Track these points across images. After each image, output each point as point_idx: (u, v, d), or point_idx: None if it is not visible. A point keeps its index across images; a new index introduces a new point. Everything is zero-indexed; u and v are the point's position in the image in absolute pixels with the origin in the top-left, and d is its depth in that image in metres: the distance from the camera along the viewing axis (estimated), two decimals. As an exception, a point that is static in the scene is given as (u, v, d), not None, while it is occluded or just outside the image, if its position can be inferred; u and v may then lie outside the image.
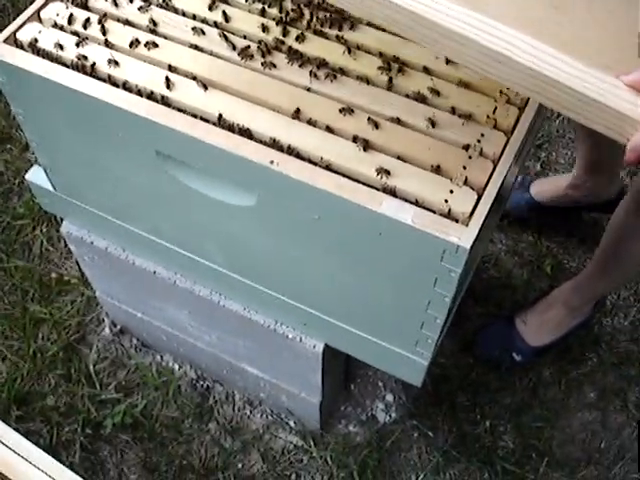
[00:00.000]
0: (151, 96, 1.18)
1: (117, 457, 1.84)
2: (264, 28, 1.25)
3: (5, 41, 1.24)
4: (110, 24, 1.26)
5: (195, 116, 1.16)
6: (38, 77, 1.20)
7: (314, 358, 1.52)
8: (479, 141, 1.12)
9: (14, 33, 1.25)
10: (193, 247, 1.45)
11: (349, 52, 1.22)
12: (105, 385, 1.94)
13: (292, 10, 1.27)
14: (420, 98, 1.17)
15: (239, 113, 1.15)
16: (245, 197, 1.19)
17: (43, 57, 1.23)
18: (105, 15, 1.27)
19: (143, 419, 1.88)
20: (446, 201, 1.06)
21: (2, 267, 2.05)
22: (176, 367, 2.01)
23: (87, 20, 1.26)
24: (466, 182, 1.08)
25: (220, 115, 1.14)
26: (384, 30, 1.26)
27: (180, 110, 1.17)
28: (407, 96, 1.18)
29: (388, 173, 1.08)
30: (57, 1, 1.30)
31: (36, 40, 1.24)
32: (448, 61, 1.21)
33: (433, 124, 1.13)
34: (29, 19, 1.27)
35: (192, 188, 1.24)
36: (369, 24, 1.26)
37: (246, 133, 1.13)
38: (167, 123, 1.13)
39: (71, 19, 1.26)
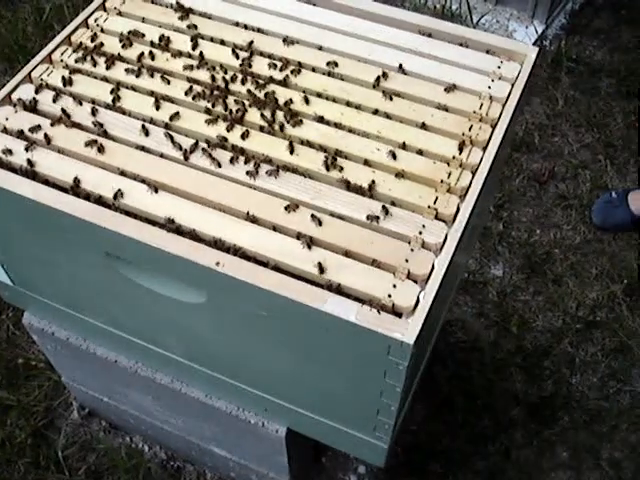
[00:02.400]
0: (100, 200, 1.20)
1: None
2: (210, 125, 1.29)
3: (-44, 147, 1.26)
4: (59, 128, 1.29)
5: (144, 219, 1.18)
6: (-13, 184, 1.22)
7: (278, 441, 1.52)
8: (420, 233, 1.15)
9: (-40, 141, 1.27)
10: (151, 338, 1.46)
11: (292, 149, 1.25)
12: (75, 470, 1.92)
13: (237, 110, 1.30)
14: (362, 191, 1.20)
15: (187, 214, 1.17)
16: (195, 295, 1.21)
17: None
18: (55, 119, 1.30)
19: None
20: (389, 296, 1.08)
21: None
22: (146, 448, 1.99)
23: (37, 126, 1.29)
24: (409, 275, 1.10)
25: (168, 218, 1.16)
26: (328, 124, 1.29)
27: (129, 213, 1.19)
28: (349, 189, 1.21)
29: (332, 270, 1.10)
30: (7, 105, 1.33)
31: (-17, 148, 1.26)
32: (391, 153, 1.25)
33: (375, 218, 1.16)
34: (-29, 125, 1.29)
35: (143, 286, 1.26)
36: (313, 119, 1.30)
37: (193, 235, 1.16)
38: (114, 228, 1.15)
39: (20, 124, 1.29)
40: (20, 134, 1.28)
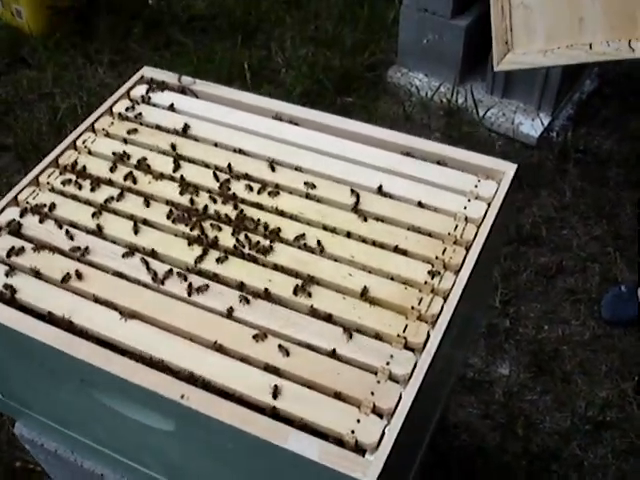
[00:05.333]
0: (74, 328, 1.22)
1: None
2: (186, 250, 1.31)
3: (-61, 271, 1.30)
4: (41, 253, 1.32)
5: (115, 347, 1.19)
6: (-35, 310, 1.25)
7: None
8: (388, 363, 1.14)
9: (-56, 267, 1.31)
10: (132, 456, 1.45)
11: (265, 276, 1.26)
12: None
13: (213, 235, 1.32)
14: (330, 319, 1.20)
15: (156, 344, 1.18)
16: (164, 423, 1.20)
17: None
18: (37, 244, 1.34)
19: None
20: (352, 432, 1.06)
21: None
22: None
23: (19, 249, 1.32)
24: (374, 409, 1.09)
25: (137, 347, 1.18)
26: (301, 248, 1.31)
27: (101, 341, 1.20)
28: (317, 317, 1.21)
29: (296, 404, 1.09)
30: (-9, 230, 1.37)
31: (-39, 275, 1.30)
32: (362, 279, 1.25)
33: (342, 347, 1.16)
34: (-41, 251, 1.33)
35: (118, 411, 1.26)
36: (288, 243, 1.31)
37: (162, 365, 1.16)
38: (85, 358, 1.16)
39: (3, 248, 1.32)
40: (2, 259, 1.32)
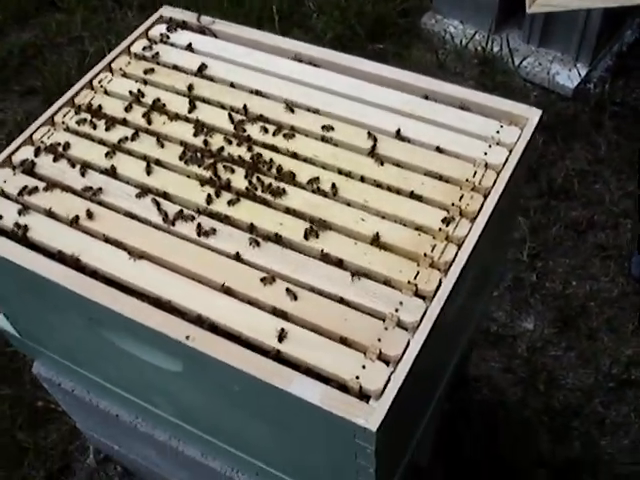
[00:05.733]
0: (83, 267, 1.22)
1: None
2: (198, 191, 1.29)
3: (-47, 209, 1.30)
4: (54, 192, 1.31)
5: (124, 287, 1.19)
6: (-21, 246, 1.25)
7: (270, 505, 1.50)
8: (397, 310, 1.11)
9: (-42, 205, 1.31)
10: (144, 397, 1.46)
11: (277, 219, 1.24)
12: (84, 516, 1.94)
13: (226, 177, 1.30)
14: (341, 264, 1.18)
15: (164, 285, 1.17)
16: (172, 363, 1.20)
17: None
18: (50, 183, 1.33)
19: None
20: (357, 377, 1.05)
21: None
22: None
23: (33, 188, 1.32)
24: (380, 355, 1.07)
25: (145, 287, 1.17)
26: (315, 192, 1.28)
27: (109, 280, 1.20)
28: (328, 262, 1.18)
29: (301, 348, 1.08)
30: (7, 167, 1.36)
31: (-23, 210, 1.30)
32: (375, 223, 1.22)
33: (350, 293, 1.14)
34: (-24, 188, 1.33)
35: (127, 351, 1.26)
36: (301, 187, 1.28)
37: (169, 306, 1.15)
38: (92, 297, 1.16)
39: (16, 187, 1.32)
40: (15, 197, 1.31)
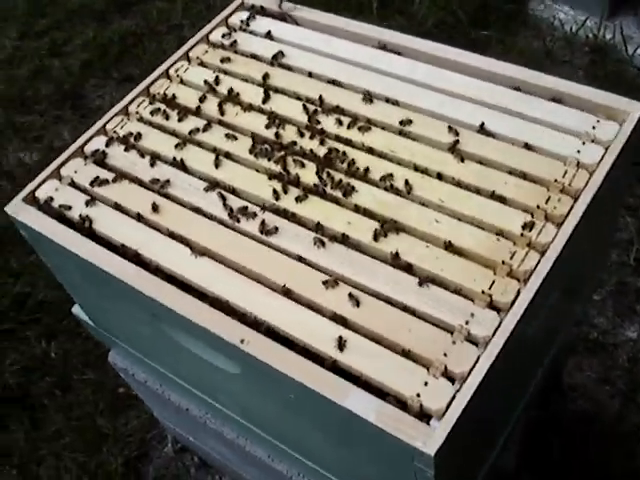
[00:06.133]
0: (142, 259, 1.19)
1: None
2: (266, 186, 1.23)
3: (24, 199, 1.30)
4: (122, 184, 1.29)
5: (184, 284, 1.15)
6: (47, 237, 1.24)
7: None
8: (467, 322, 1.02)
9: (33, 191, 1.31)
10: (210, 394, 1.43)
11: (345, 218, 1.17)
12: (160, 504, 1.95)
13: (295, 172, 1.24)
14: (410, 270, 1.09)
15: (224, 284, 1.13)
16: (230, 365, 1.16)
17: (55, 216, 1.27)
18: (119, 174, 1.31)
19: None
20: (418, 395, 0.96)
21: (78, 379, 2.13)
22: (233, 488, 1.98)
23: (104, 180, 1.30)
24: (445, 372, 0.98)
25: (204, 286, 1.13)
26: (387, 189, 1.20)
27: (170, 277, 1.16)
28: (396, 266, 1.10)
29: (361, 359, 1.01)
30: (79, 157, 1.35)
31: (51, 199, 1.29)
32: (450, 226, 1.13)
33: (417, 301, 1.05)
34: (49, 176, 1.33)
35: (187, 347, 1.23)
36: (373, 184, 1.21)
37: (226, 306, 1.11)
38: (151, 294, 1.13)
39: (86, 177, 1.31)
40: (85, 188, 1.30)
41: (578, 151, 1.18)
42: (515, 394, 1.34)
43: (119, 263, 1.18)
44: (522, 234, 1.10)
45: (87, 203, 1.27)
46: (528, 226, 1.10)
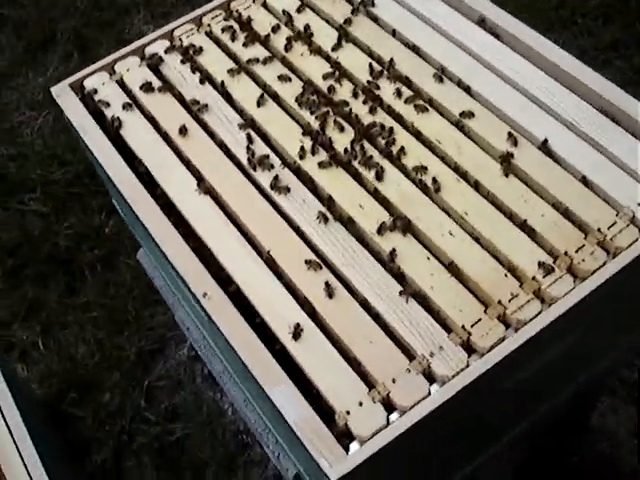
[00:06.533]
0: (152, 179, 1.16)
1: (137, 473, 1.89)
2: (297, 141, 1.15)
3: (71, 84, 1.28)
4: (164, 97, 1.25)
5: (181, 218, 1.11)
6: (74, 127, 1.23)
7: None
8: (432, 354, 0.92)
9: (82, 79, 1.29)
10: (199, 322, 1.41)
11: (358, 202, 1.08)
12: (157, 402, 1.99)
13: (330, 136, 1.15)
14: (400, 278, 1.00)
15: (213, 230, 1.08)
16: (198, 310, 1.12)
17: (91, 110, 1.25)
18: (165, 84, 1.27)
19: (172, 451, 1.90)
20: (348, 413, 0.89)
21: (123, 261, 2.17)
22: (230, 412, 1.99)
23: (149, 87, 1.26)
24: (385, 399, 0.90)
25: (195, 227, 1.09)
26: (415, 182, 1.09)
27: (170, 204, 1.13)
28: (387, 269, 1.01)
29: (313, 357, 0.94)
30: (136, 56, 1.32)
31: (95, 91, 1.27)
32: (463, 244, 1.02)
33: (391, 313, 0.96)
34: (102, 68, 1.30)
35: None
36: (403, 171, 1.10)
37: (209, 254, 1.06)
38: (143, 219, 1.10)
39: (135, 79, 1.27)
40: (129, 90, 1.27)
41: (639, 204, 1.02)
42: (483, 438, 1.23)
43: (126, 175, 1.16)
44: (534, 278, 0.97)
45: (124, 106, 1.24)
46: (544, 271, 0.97)
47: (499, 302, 0.96)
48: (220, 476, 1.91)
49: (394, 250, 1.01)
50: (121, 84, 1.28)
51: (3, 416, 1.37)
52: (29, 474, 1.30)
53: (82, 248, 2.19)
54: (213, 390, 2.04)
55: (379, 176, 1.09)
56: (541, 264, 0.97)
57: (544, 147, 1.10)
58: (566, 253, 0.99)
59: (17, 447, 1.33)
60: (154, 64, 1.30)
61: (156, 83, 1.27)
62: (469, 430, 1.05)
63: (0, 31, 2.77)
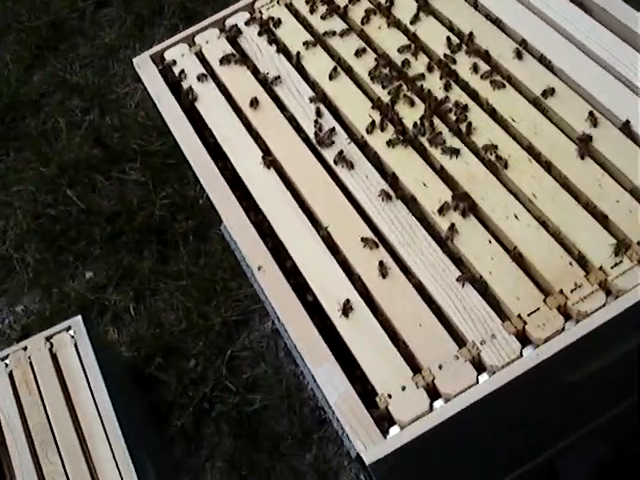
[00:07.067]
0: (221, 150, 1.16)
1: (215, 440, 1.93)
2: (366, 116, 1.13)
3: (152, 55, 1.31)
4: (239, 69, 1.25)
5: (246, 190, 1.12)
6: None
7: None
8: (483, 342, 0.88)
9: (163, 50, 1.32)
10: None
11: (422, 180, 1.04)
12: (238, 372, 2.02)
13: (399, 113, 1.12)
14: (458, 262, 0.96)
15: (274, 204, 1.08)
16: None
17: (170, 81, 1.27)
18: (241, 56, 1.27)
19: (249, 421, 1.93)
20: (390, 396, 0.87)
21: (215, 232, 2.21)
22: (309, 387, 2.00)
23: (226, 59, 1.27)
24: (429, 385, 0.87)
25: (257, 200, 1.09)
26: (484, 162, 1.04)
27: (236, 176, 1.13)
28: (445, 251, 0.97)
29: (357, 333, 0.92)
30: (216, 28, 1.33)
31: (174, 62, 1.29)
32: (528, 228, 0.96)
33: (445, 298, 0.93)
34: (182, 40, 1.32)
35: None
36: (472, 149, 1.05)
37: (267, 227, 1.06)
38: (208, 189, 1.11)
39: (213, 51, 1.28)
40: (207, 61, 1.29)
41: None
42: (537, 440, 1.16)
43: (195, 145, 1.18)
44: (601, 267, 0.91)
45: (199, 77, 1.25)
46: (613, 261, 0.91)
47: (560, 292, 0.90)
48: (295, 449, 1.92)
49: (453, 226, 0.97)
50: (200, 56, 1.30)
51: (87, 378, 1.45)
52: (105, 430, 1.37)
53: (177, 218, 2.25)
54: (294, 365, 2.05)
55: (445, 154, 1.05)
56: (611, 254, 0.91)
57: (625, 129, 1.02)
58: (639, 243, 0.92)
59: (97, 407, 1.40)
60: (232, 36, 1.30)
61: (233, 56, 1.27)
62: (521, 428, 1.00)
63: (110, 5, 2.87)
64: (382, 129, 1.11)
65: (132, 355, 2.05)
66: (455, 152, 1.05)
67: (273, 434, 1.93)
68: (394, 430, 0.86)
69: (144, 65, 1.30)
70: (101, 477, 1.29)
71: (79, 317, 1.53)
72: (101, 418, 1.38)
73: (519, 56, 1.14)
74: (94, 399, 1.42)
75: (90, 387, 1.43)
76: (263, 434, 1.94)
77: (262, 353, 2.08)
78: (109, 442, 1.34)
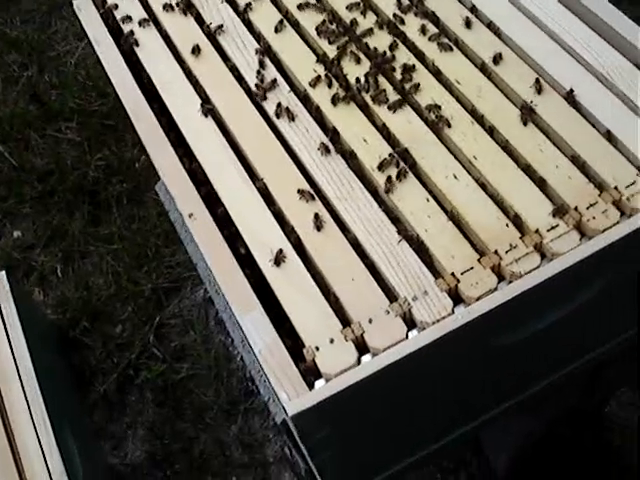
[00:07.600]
0: (159, 96, 1.12)
1: (139, 407, 1.88)
2: (310, 71, 1.10)
3: (94, -1, 1.26)
4: (184, 17, 1.21)
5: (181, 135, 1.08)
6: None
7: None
8: (415, 298, 0.87)
9: (105, -8, 1.26)
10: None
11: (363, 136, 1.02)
12: (166, 340, 1.97)
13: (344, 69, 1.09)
14: (394, 219, 0.94)
15: (210, 153, 1.04)
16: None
17: (110, 25, 1.22)
18: (188, 3, 1.22)
19: (175, 390, 1.89)
20: (317, 349, 0.85)
21: (151, 197, 2.14)
22: (238, 358, 1.97)
23: (170, 6, 1.22)
24: (358, 339, 0.85)
25: (193, 148, 1.05)
26: (426, 121, 1.02)
27: (172, 122, 1.09)
28: (382, 208, 0.95)
29: (288, 284, 0.90)
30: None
31: (116, 6, 1.24)
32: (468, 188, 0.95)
33: (379, 253, 0.91)
34: (125, -17, 1.27)
35: (172, 204, 1.17)
36: (415, 109, 1.04)
37: (201, 174, 1.02)
38: (140, 132, 1.07)
39: (157, -3, 1.24)
40: (150, 6, 1.23)
41: (667, 164, 0.94)
42: (470, 405, 1.15)
43: (131, 89, 1.12)
44: (537, 230, 0.90)
45: (140, 23, 1.20)
46: (549, 224, 0.90)
47: (495, 252, 0.89)
48: (221, 420, 1.89)
49: (390, 178, 0.95)
50: (143, 2, 1.24)
51: (7, 333, 1.39)
52: (23, 388, 1.32)
53: (111, 180, 2.18)
54: (224, 335, 2.02)
55: (387, 111, 1.03)
56: (546, 217, 0.90)
57: (569, 97, 1.02)
58: (576, 208, 0.91)
59: (16, 363, 1.35)
60: (182, -24, 1.25)
61: (179, 3, 1.22)
62: (450, 393, 0.99)
63: (54, -41, 2.77)
64: (329, 85, 1.08)
65: (57, 318, 1.99)
66: (398, 105, 1.03)
67: (199, 404, 1.90)
68: (320, 383, 0.83)
69: (84, 7, 1.24)
70: (17, 435, 1.24)
71: (3, 272, 1.46)
72: (19, 374, 1.33)
73: (468, 21, 1.12)
74: (13, 355, 1.36)
75: (10, 342, 1.37)
76: (188, 403, 1.91)
77: (192, 322, 2.04)
78: (27, 402, 1.28)
